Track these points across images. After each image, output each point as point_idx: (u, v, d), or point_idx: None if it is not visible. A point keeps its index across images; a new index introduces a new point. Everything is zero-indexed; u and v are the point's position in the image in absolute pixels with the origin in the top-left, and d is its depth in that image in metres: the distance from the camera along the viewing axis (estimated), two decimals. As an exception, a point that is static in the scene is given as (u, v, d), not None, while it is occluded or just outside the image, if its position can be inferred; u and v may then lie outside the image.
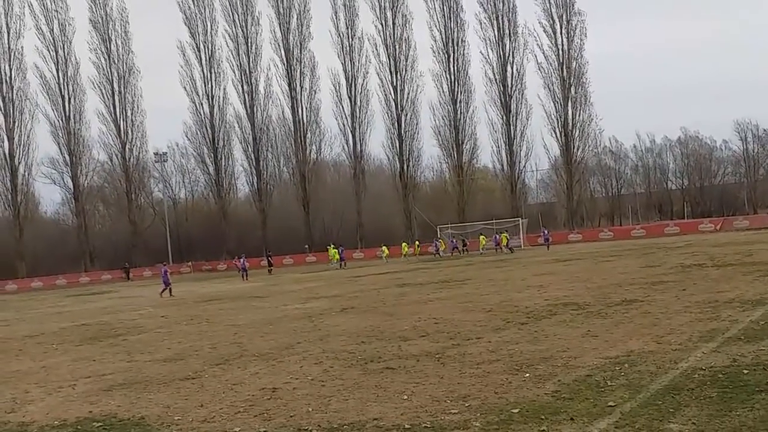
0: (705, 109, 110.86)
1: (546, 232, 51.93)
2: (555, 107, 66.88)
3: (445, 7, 69.05)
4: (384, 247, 53.89)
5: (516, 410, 7.23)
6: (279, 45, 73.37)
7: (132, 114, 75.36)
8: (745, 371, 7.94)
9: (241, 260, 46.42)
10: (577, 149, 67.59)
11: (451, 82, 69.36)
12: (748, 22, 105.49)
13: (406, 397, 8.33)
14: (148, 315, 24.03)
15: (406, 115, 70.75)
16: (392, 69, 70.51)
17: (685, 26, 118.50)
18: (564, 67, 66.35)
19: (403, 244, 53.67)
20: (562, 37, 66.47)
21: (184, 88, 75.94)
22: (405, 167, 71.32)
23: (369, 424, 7.34)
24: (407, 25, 70.35)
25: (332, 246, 56.43)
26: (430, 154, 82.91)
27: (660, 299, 15.22)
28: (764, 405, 6.56)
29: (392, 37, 70.32)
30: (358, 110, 72.52)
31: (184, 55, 75.65)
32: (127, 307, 28.78)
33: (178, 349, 14.46)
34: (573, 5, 66.22)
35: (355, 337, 13.67)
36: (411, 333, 13.51)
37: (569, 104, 66.55)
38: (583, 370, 8.87)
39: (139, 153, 76.28)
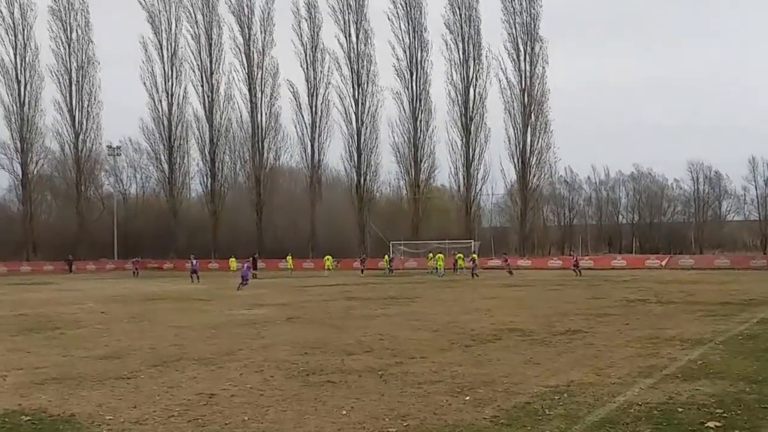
0: (659, 147, 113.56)
1: (506, 258, 51.64)
2: (514, 133, 67.58)
3: (410, 27, 69.54)
4: (328, 257, 53.75)
5: (454, 433, 7.21)
6: (240, 50, 73.29)
7: (88, 105, 74.05)
8: (680, 409, 8.05)
9: (192, 261, 45.76)
10: (533, 176, 68.34)
11: (412, 100, 69.72)
12: (708, 67, 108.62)
13: (345, 412, 8.26)
14: (88, 310, 23.52)
15: (366, 129, 70.95)
16: (354, 83, 70.68)
17: (647, 65, 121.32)
18: (525, 93, 67.14)
19: (327, 257, 53.68)
20: (525, 63, 67.30)
21: (144, 83, 75.07)
22: (362, 180, 71.33)
23: (304, 438, 7.25)
24: (369, 41, 70.76)
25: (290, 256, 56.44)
26: (388, 169, 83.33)
27: (603, 331, 15.42)
28: (697, 444, 6.64)
29: (355, 52, 70.51)
30: (318, 120, 72.55)
31: (146, 50, 74.86)
32: (67, 300, 28.13)
33: (116, 347, 14.15)
34: (537, 32, 67.18)
35: (299, 347, 13.55)
36: (355, 347, 13.44)
37: (528, 131, 67.32)
38: (523, 396, 8.90)
39: (92, 145, 74.97)
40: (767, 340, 13.71)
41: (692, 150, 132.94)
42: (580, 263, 47.35)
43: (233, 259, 55.89)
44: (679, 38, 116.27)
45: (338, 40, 70.79)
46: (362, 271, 51.85)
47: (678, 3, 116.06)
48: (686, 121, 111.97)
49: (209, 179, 75.32)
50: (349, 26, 70.49)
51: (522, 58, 67.28)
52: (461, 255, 52.58)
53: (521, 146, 67.48)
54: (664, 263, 55.29)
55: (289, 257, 56.36)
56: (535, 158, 67.63)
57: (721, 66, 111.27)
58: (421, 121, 69.72)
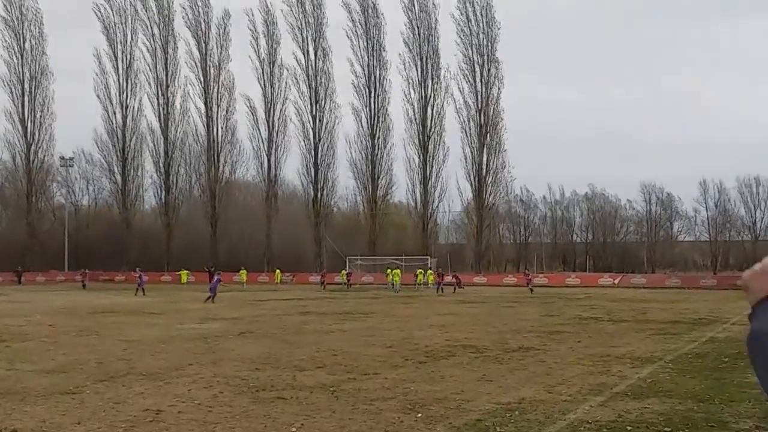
0: (613, 168, 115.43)
1: (454, 275, 51.39)
2: (470, 152, 68.08)
3: (369, 46, 69.73)
4: (278, 271, 53.23)
5: (404, 451, 7.15)
6: (196, 64, 72.61)
7: (41, 116, 72.69)
8: (629, 428, 8.12)
9: (138, 274, 44.97)
10: (489, 195, 68.89)
11: (370, 117, 69.81)
12: (662, 88, 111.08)
13: (294, 429, 8.15)
14: (35, 322, 22.88)
15: (324, 144, 70.85)
16: (312, 99, 70.55)
17: (602, 85, 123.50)
18: (481, 113, 67.79)
19: (276, 271, 53.14)
20: (480, 84, 67.96)
21: (98, 95, 73.87)
22: (319, 195, 71.19)
23: (253, 456, 7.12)
24: (328, 58, 70.71)
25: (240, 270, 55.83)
26: (345, 184, 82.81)
27: (555, 349, 15.53)
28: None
29: (313, 68, 70.38)
30: (275, 135, 72.27)
31: (99, 62, 73.77)
32: (15, 312, 27.33)
33: (62, 360, 13.79)
34: (493, 53, 67.79)
35: (250, 363, 13.35)
36: (308, 363, 13.30)
37: (484, 150, 67.92)
38: (475, 414, 8.89)
39: (44, 156, 73.60)
40: (715, 359, 13.95)
41: (645, 171, 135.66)
42: (534, 280, 47.39)
43: (185, 272, 55.13)
44: (635, 59, 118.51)
45: (296, 56, 70.73)
46: (324, 285, 51.62)
47: (632, 25, 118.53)
48: (639, 142, 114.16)
49: (163, 192, 74.39)
50: (308, 43, 70.49)
51: (478, 78, 67.92)
52: (422, 270, 52.69)
53: (477, 165, 68.04)
54: (616, 282, 56.08)
55: (242, 271, 55.85)
56: (491, 177, 68.22)
57: (675, 86, 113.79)
58: (379, 138, 69.91)
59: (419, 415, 8.86)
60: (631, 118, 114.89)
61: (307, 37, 70.41)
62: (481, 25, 67.88)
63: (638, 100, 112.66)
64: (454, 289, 45.79)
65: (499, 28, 67.82)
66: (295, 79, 70.93)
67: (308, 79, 70.63)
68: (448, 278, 48.00)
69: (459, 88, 68.32)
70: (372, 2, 69.35)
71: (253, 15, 71.85)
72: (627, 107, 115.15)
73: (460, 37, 67.96)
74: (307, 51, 70.42)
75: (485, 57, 67.88)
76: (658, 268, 78.13)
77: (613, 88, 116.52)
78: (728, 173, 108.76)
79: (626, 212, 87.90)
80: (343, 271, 55.37)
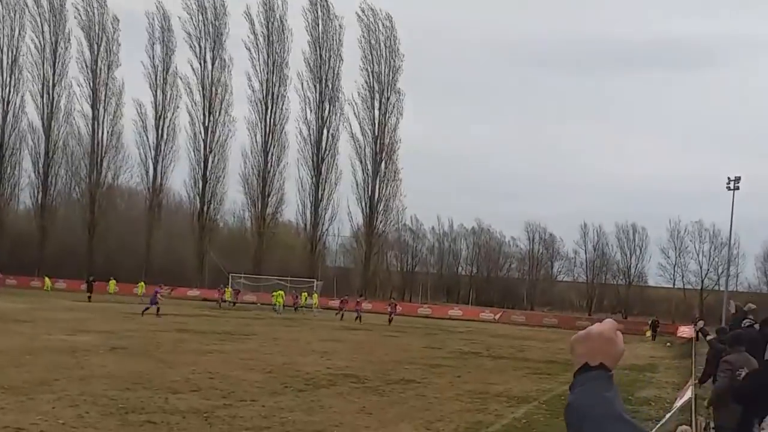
0: (500, 204, 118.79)
1: (393, 305, 46.47)
2: (364, 177, 68.57)
3: (269, 61, 69.00)
4: (141, 284, 51.43)
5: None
6: (86, 65, 69.99)
7: None
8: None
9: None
10: (380, 222, 69.50)
11: (265, 134, 69.01)
12: (545, 128, 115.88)
13: (163, 458, 7.72)
14: None
15: (214, 157, 69.52)
16: (206, 109, 69.21)
17: (496, 125, 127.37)
18: (378, 141, 68.43)
19: (111, 282, 51.58)
20: (379, 112, 68.63)
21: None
22: (205, 208, 69.67)
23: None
24: (226, 69, 69.64)
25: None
26: (233, 199, 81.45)
27: (436, 383, 15.59)
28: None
29: (209, 78, 69.14)
30: (163, 143, 70.54)
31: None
32: None
33: None
34: (395, 84, 68.80)
35: (120, 381, 12.69)
36: (182, 385, 12.76)
37: (378, 177, 68.54)
38: (353, 449, 8.72)
39: None
40: (586, 400, 14.33)
41: (530, 210, 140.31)
42: (395, 311, 44.33)
43: (113, 281, 52.07)
44: (534, 105, 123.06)
45: (191, 65, 69.30)
46: (221, 303, 49.44)
47: (529, 72, 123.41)
48: (526, 182, 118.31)
49: (40, 193, 70.96)
50: (205, 53, 69.18)
51: (376, 106, 68.63)
52: (306, 293, 52.24)
53: (370, 192, 68.54)
54: (497, 317, 57.42)
55: (112, 281, 53.37)
56: (382, 204, 68.90)
57: (563, 132, 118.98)
58: (272, 155, 69.23)
59: (295, 447, 8.61)
60: (520, 160, 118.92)
61: (205, 46, 69.25)
62: (384, 54, 68.74)
63: (528, 144, 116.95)
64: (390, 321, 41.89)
65: (402, 60, 68.91)
66: (189, 88, 69.55)
67: (203, 90, 69.35)
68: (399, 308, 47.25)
69: (355, 113, 68.69)
70: (279, 15, 68.87)
71: (153, 19, 70.22)
72: (518, 149, 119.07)
73: (362, 62, 68.57)
74: (204, 60, 69.20)
75: (386, 86, 68.68)
76: (537, 305, 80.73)
77: (505, 129, 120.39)
78: (608, 218, 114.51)
79: (510, 249, 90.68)
80: (228, 288, 54.09)
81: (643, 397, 15.76)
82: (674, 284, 78.52)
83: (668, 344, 39.73)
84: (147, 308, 33.30)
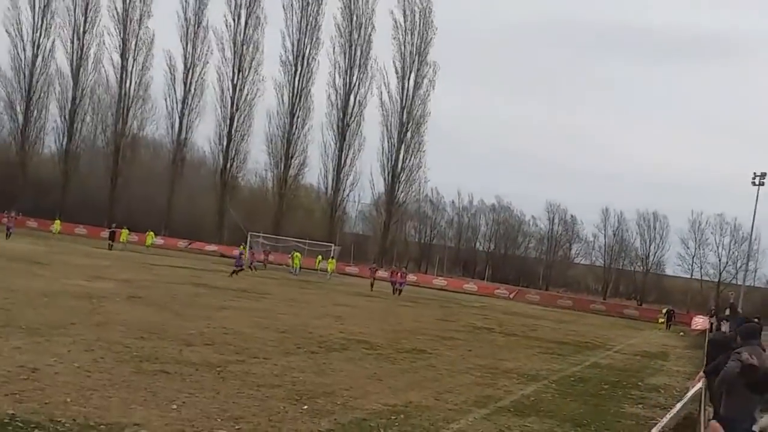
0: (522, 183, 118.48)
1: (404, 270, 45.35)
2: (388, 146, 68.34)
3: (302, 22, 68.55)
4: (150, 233, 50.86)
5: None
6: (118, 14, 69.90)
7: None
8: (510, 444, 8.18)
9: (10, 216, 43.02)
10: (401, 192, 69.41)
11: (292, 96, 68.78)
12: (576, 112, 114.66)
13: (175, 406, 7.83)
14: None
15: (240, 115, 69.50)
16: (235, 67, 69.07)
17: (525, 105, 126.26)
18: (405, 111, 68.09)
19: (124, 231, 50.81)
20: (409, 82, 68.23)
21: (7, 30, 70.19)
22: (228, 166, 69.94)
23: (128, 429, 6.79)
24: (260, 27, 69.23)
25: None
26: (256, 158, 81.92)
27: (447, 355, 15.63)
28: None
29: (242, 36, 68.89)
30: (190, 98, 70.55)
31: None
32: None
33: (-69, 302, 12.90)
34: (426, 55, 68.23)
35: (136, 330, 12.84)
36: (196, 338, 12.89)
37: (402, 147, 68.30)
38: (361, 412, 8.78)
39: (-60, 85, 69.94)
40: (596, 384, 14.35)
41: (552, 191, 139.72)
42: (403, 282, 41.31)
43: (151, 233, 51.97)
44: (566, 85, 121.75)
45: (226, 21, 68.91)
46: (253, 267, 44.95)
47: (562, 55, 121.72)
48: (551, 163, 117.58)
49: (65, 138, 71.45)
50: (240, 9, 68.88)
51: (408, 76, 68.12)
52: (321, 257, 52.52)
53: (393, 160, 68.37)
54: (512, 295, 57.39)
55: (124, 230, 51.81)
56: (405, 174, 68.72)
57: (591, 115, 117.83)
58: (298, 118, 69.06)
59: (305, 407, 8.68)
60: (546, 141, 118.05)
61: (241, 3, 68.77)
62: (418, 24, 68.04)
63: (555, 125, 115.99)
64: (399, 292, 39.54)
65: (435, 33, 68.15)
66: (221, 44, 69.25)
67: (234, 46, 69.04)
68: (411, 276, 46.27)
69: (385, 82, 68.28)
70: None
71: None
72: (544, 129, 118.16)
73: (395, 31, 67.92)
74: (239, 16, 68.79)
75: (418, 56, 68.10)
76: (553, 286, 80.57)
77: (532, 110, 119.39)
78: (629, 205, 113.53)
79: (529, 228, 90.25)
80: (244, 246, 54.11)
81: (653, 384, 15.72)
82: (692, 275, 77.88)
83: (681, 334, 39.55)
84: (236, 270, 34.26)
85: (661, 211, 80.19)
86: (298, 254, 49.50)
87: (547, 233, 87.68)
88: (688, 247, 77.91)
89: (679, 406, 11.16)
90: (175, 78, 70.50)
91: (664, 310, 48.48)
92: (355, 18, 68.22)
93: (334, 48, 68.28)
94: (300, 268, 47.98)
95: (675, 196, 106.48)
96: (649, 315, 52.19)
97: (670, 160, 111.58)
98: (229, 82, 69.30)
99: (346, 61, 68.54)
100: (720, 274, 75.97)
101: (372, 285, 41.13)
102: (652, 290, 79.02)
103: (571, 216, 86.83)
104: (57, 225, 52.33)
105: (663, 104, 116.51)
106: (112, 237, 46.52)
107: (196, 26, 69.90)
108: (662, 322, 45.89)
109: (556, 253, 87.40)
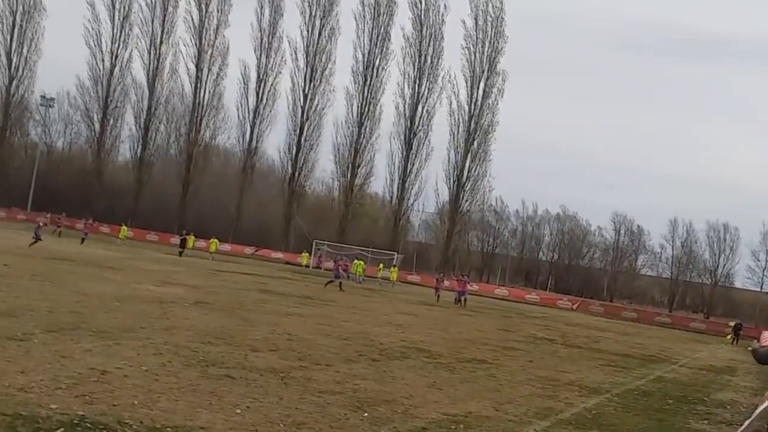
0: (588, 192, 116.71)
1: (466, 278, 44.67)
2: (455, 156, 68.31)
3: (374, 33, 69.30)
4: (214, 241, 51.84)
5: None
6: (194, 25, 71.95)
7: (28, 52, 73.12)
8: (571, 457, 8.14)
9: (87, 222, 44.63)
10: (465, 201, 69.22)
11: (361, 105, 69.53)
12: (642, 119, 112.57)
13: (239, 411, 8.05)
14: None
15: (310, 124, 70.58)
16: (307, 77, 70.17)
17: (594, 114, 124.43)
18: (473, 120, 67.91)
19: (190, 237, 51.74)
20: (478, 91, 68.05)
21: (87, 42, 73.07)
22: (296, 174, 70.97)
23: (194, 432, 7.02)
24: (333, 38, 70.33)
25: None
26: (323, 167, 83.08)
27: (507, 365, 15.57)
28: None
29: (315, 46, 70.02)
30: (262, 107, 71.99)
31: (93, 9, 73.08)
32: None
33: (13, 304, 13.53)
34: (496, 65, 68.03)
35: (203, 335, 13.21)
36: (261, 344, 13.19)
37: (469, 156, 68.13)
38: (421, 421, 8.85)
39: (24, 92, 74.07)
40: (660, 399, 14.08)
41: (619, 200, 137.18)
42: (464, 291, 38.71)
43: (214, 241, 52.88)
44: (636, 92, 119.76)
45: (301, 31, 70.19)
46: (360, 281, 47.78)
47: (634, 62, 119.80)
48: (619, 171, 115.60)
49: (140, 146, 73.85)
50: (314, 20, 69.95)
51: (477, 85, 67.98)
52: (382, 265, 52.81)
53: (459, 170, 68.23)
54: (575, 306, 56.59)
55: (191, 237, 52.15)
56: (470, 184, 68.51)
57: (662, 126, 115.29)
58: (366, 127, 69.72)
59: (365, 414, 8.81)
60: (614, 150, 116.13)
61: (315, 13, 69.89)
62: (489, 33, 67.91)
63: (623, 134, 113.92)
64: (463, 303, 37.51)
65: (505, 42, 67.93)
66: (295, 54, 70.56)
67: (307, 56, 70.21)
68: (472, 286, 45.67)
69: (454, 91, 68.28)
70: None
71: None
72: (612, 139, 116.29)
73: (465, 41, 67.90)
74: (312, 27, 69.88)
75: (488, 65, 67.91)
76: (617, 297, 79.10)
77: (600, 118, 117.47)
78: (699, 216, 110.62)
79: (594, 238, 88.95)
80: (305, 254, 54.61)
81: (719, 400, 15.34)
82: (761, 288, 75.47)
83: (749, 348, 38.27)
84: (332, 281, 34.84)
85: (733, 221, 78.17)
86: (360, 262, 49.90)
87: (612, 243, 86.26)
88: (758, 260, 75.67)
89: (747, 423, 10.87)
90: (248, 87, 72.26)
91: (732, 324, 47.06)
92: (425, 28, 68.62)
93: (404, 58, 68.84)
94: (363, 276, 48.39)
95: (747, 206, 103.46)
96: (716, 329, 50.78)
97: (742, 169, 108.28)
98: (301, 92, 70.53)
99: (416, 70, 68.92)
100: (792, 289, 73.44)
101: (438, 296, 40.57)
102: (720, 303, 76.73)
103: (638, 226, 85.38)
104: (123, 231, 53.45)
105: (738, 110, 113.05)
106: (183, 244, 47.68)
107: (271, 36, 71.57)
108: (730, 337, 44.56)
109: (621, 263, 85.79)
